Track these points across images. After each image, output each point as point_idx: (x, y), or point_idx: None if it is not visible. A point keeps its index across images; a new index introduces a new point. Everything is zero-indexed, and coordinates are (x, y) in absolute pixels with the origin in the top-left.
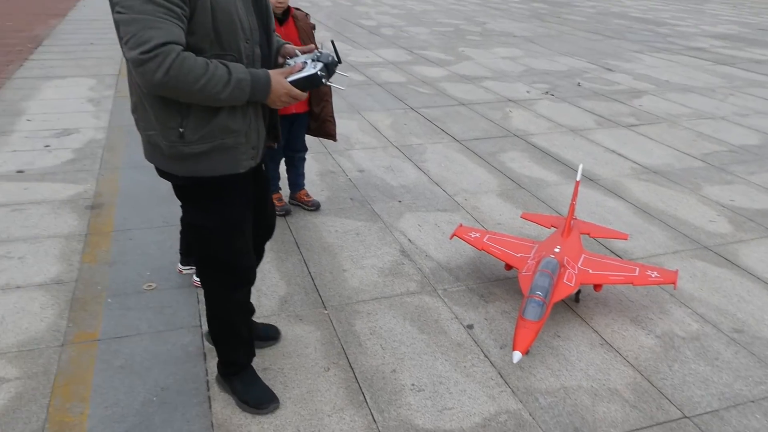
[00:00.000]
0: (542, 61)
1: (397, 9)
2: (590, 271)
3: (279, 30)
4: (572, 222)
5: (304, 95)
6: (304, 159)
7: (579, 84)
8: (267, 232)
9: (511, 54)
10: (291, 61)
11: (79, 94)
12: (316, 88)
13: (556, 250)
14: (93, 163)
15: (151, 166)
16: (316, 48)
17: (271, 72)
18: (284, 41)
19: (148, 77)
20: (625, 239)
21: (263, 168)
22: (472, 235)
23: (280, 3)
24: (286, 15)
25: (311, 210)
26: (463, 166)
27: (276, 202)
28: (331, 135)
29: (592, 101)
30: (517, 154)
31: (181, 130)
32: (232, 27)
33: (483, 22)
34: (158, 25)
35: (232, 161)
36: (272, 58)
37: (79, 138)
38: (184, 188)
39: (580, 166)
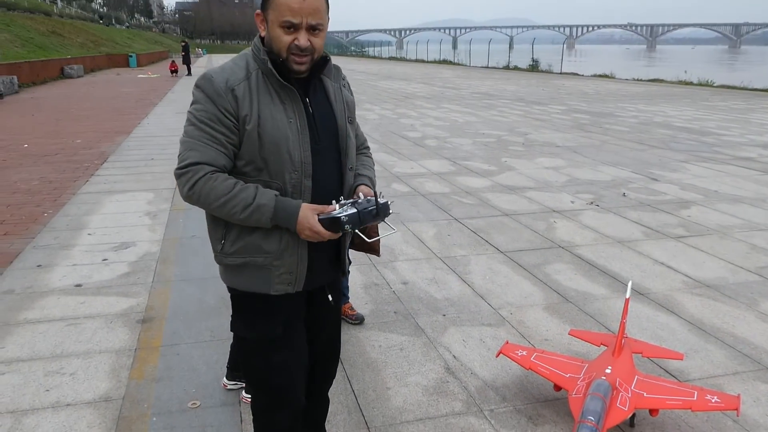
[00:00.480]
0: (586, 171)
1: (441, 121)
2: (645, 395)
3: None
4: (623, 340)
5: (329, 234)
6: (349, 272)
7: (624, 194)
8: (329, 366)
9: (555, 164)
10: (335, 203)
11: (138, 208)
12: (339, 232)
13: (608, 371)
14: (147, 276)
15: (201, 278)
16: (376, 196)
17: (304, 205)
18: (365, 181)
19: (179, 189)
20: (681, 359)
21: (328, 297)
22: (519, 353)
23: None
24: None
25: (355, 323)
26: (508, 278)
27: (348, 311)
28: (375, 250)
29: (639, 212)
30: (563, 266)
31: (222, 241)
32: (279, 158)
33: (525, 132)
34: (198, 148)
35: (263, 281)
36: (344, 189)
37: (135, 251)
38: (232, 296)
39: (629, 283)
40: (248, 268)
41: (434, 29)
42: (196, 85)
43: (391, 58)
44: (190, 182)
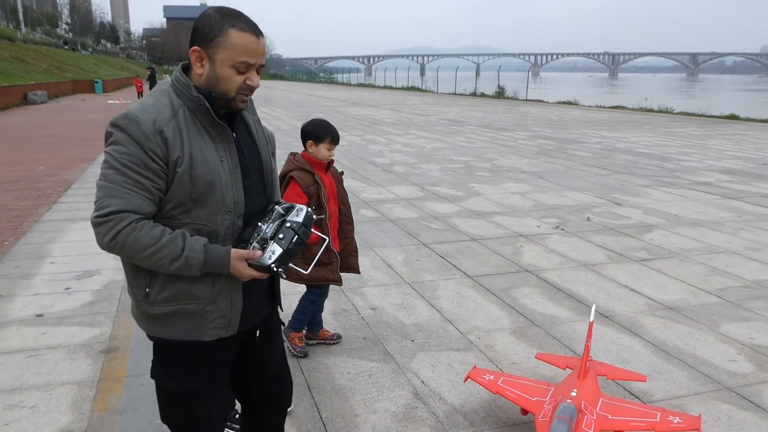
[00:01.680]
0: (551, 196)
1: (409, 147)
2: (609, 417)
3: (328, 177)
4: (588, 363)
5: (266, 275)
6: (313, 300)
7: (588, 219)
8: (275, 404)
9: (521, 189)
10: (257, 245)
11: None
12: (272, 273)
13: (573, 393)
14: (111, 305)
15: None
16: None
17: (233, 252)
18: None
19: (98, 239)
20: (644, 381)
21: (256, 337)
22: (486, 378)
23: (331, 156)
24: (329, 164)
25: (335, 343)
26: (476, 303)
27: (297, 341)
28: (354, 269)
29: (603, 236)
30: (530, 290)
31: (147, 290)
32: (211, 200)
33: (492, 158)
34: (121, 195)
35: (195, 328)
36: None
37: (99, 279)
38: (155, 344)
39: (593, 307)
40: (178, 316)
41: (402, 56)
42: (116, 125)
43: (359, 85)
44: (112, 232)
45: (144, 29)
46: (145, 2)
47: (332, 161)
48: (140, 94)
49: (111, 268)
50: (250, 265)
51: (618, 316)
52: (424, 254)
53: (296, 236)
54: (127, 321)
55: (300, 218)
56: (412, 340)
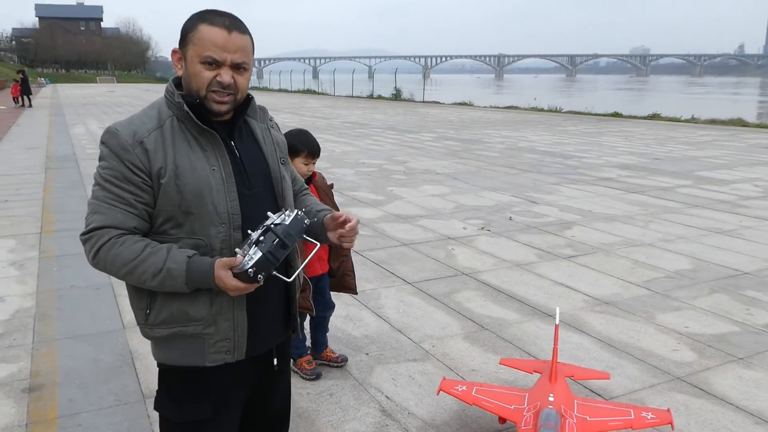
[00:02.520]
0: (470, 197)
1: None
2: (588, 419)
3: None
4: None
5: (254, 286)
6: (329, 317)
7: (510, 218)
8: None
9: (439, 191)
10: (239, 250)
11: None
12: (255, 283)
13: (551, 398)
14: (25, 337)
15: (92, 333)
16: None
17: (217, 262)
18: (324, 207)
19: (86, 257)
20: (608, 379)
21: (275, 366)
22: (460, 389)
23: (309, 170)
24: (309, 178)
25: (340, 366)
26: (422, 309)
27: (305, 365)
28: (351, 288)
29: (527, 234)
30: (471, 293)
31: (147, 311)
32: (202, 211)
33: (404, 161)
34: (102, 210)
35: (196, 352)
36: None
37: (5, 308)
38: (159, 371)
39: (557, 309)
40: (177, 339)
41: (294, 59)
42: (101, 141)
43: (252, 88)
44: (94, 248)
45: (13, 29)
46: (14, 0)
47: (314, 175)
48: (16, 99)
49: (17, 294)
50: (235, 275)
51: (561, 314)
52: (358, 262)
53: (277, 239)
54: (48, 353)
55: (287, 221)
56: (367, 354)
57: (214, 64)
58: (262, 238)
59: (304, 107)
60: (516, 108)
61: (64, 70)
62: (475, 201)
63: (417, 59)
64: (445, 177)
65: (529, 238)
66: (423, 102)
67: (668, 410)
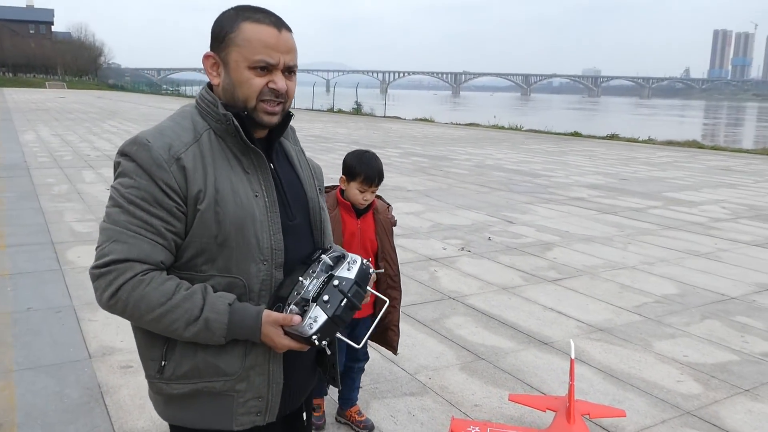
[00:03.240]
0: (445, 216)
1: None
2: None
3: (355, 223)
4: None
5: (304, 347)
6: (363, 369)
7: (490, 238)
8: None
9: (413, 209)
10: (295, 307)
11: None
12: (308, 345)
13: None
14: None
15: (54, 364)
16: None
17: (266, 315)
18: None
19: (97, 295)
20: (624, 416)
21: (304, 421)
22: (472, 431)
23: (365, 199)
24: (368, 207)
25: None
26: (412, 337)
27: (356, 417)
28: (392, 347)
29: (509, 256)
30: (461, 318)
31: (163, 362)
32: (243, 245)
33: None
34: (125, 239)
35: (222, 413)
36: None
37: None
38: None
39: (572, 343)
40: (201, 397)
41: None
42: (124, 153)
43: None
44: (113, 286)
45: None
46: None
47: (373, 204)
48: None
49: None
50: (286, 333)
51: (556, 341)
52: None
53: (345, 299)
54: (4, 388)
55: (352, 273)
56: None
57: (266, 68)
58: (326, 297)
59: None
60: (477, 125)
61: (11, 74)
62: (451, 219)
63: (375, 74)
64: (416, 194)
65: (511, 260)
66: (384, 117)
67: None
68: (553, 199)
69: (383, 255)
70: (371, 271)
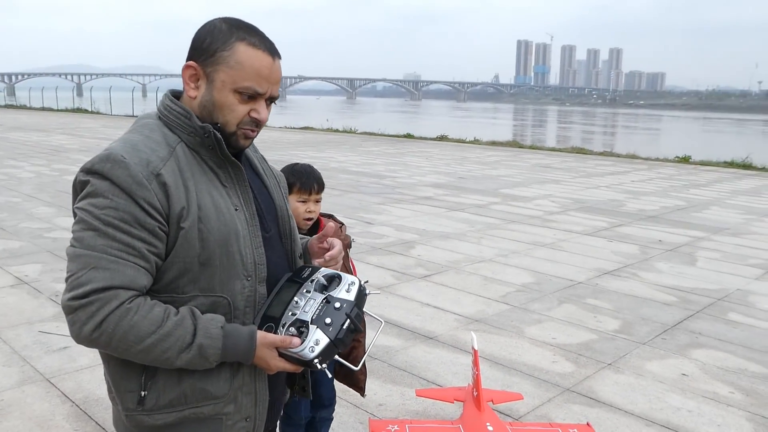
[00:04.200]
0: None
1: None
2: None
3: None
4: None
5: (298, 369)
6: (331, 419)
7: (353, 240)
8: None
9: None
10: (293, 329)
11: None
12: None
13: (490, 428)
14: None
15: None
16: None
17: (260, 337)
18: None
19: (75, 329)
20: (521, 399)
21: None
22: (392, 429)
23: (308, 219)
24: (314, 228)
25: None
26: None
27: None
28: (359, 387)
29: (377, 256)
30: None
31: (143, 393)
32: (227, 262)
33: None
34: (105, 265)
35: None
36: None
37: None
38: None
39: (473, 335)
40: (187, 424)
41: (53, 74)
42: (93, 171)
43: (8, 106)
44: (96, 318)
45: None
46: None
47: (320, 221)
48: None
49: None
50: (280, 354)
51: (440, 335)
52: None
53: (348, 321)
54: None
55: (352, 295)
56: None
57: (252, 96)
58: (328, 320)
59: (81, 128)
60: (312, 129)
61: None
62: None
63: None
64: None
65: (380, 260)
66: None
67: (588, 424)
68: (403, 199)
69: None
70: (368, 292)
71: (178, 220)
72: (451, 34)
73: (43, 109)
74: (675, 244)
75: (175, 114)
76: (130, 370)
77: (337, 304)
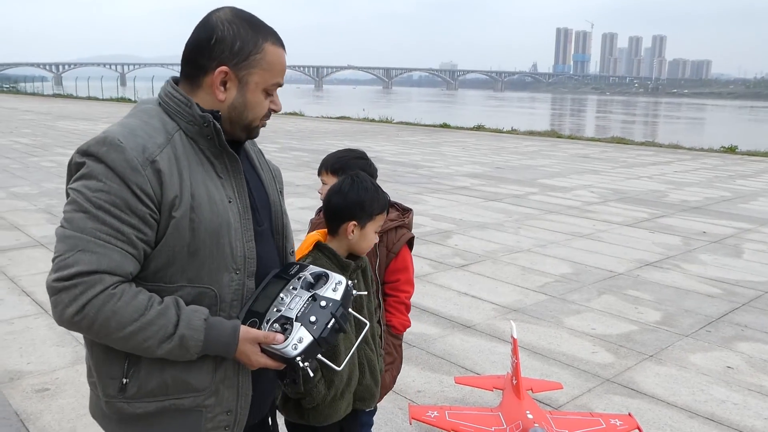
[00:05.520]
0: None
1: None
2: None
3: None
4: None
5: (281, 366)
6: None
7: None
8: None
9: (307, 204)
10: (276, 325)
11: None
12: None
13: (529, 416)
14: None
15: None
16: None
17: (243, 331)
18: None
19: (58, 311)
20: (561, 389)
21: (269, 426)
22: (432, 415)
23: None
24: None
25: None
26: None
27: None
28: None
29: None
30: None
31: (125, 380)
32: (217, 254)
33: None
34: (92, 248)
35: (190, 430)
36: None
37: None
38: None
39: (512, 323)
40: (167, 414)
41: (98, 64)
42: (89, 153)
43: (56, 96)
44: (79, 301)
45: None
46: None
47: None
48: None
49: None
50: (263, 351)
51: (478, 324)
52: None
53: (333, 320)
54: None
55: (338, 295)
56: None
57: (274, 90)
58: (313, 318)
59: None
60: (349, 118)
61: None
62: None
63: None
64: (306, 189)
65: (416, 249)
66: None
67: (630, 415)
68: (439, 188)
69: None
70: (354, 292)
71: (170, 208)
72: (488, 22)
73: (88, 98)
74: (720, 236)
75: (176, 101)
76: (114, 357)
77: (323, 303)
